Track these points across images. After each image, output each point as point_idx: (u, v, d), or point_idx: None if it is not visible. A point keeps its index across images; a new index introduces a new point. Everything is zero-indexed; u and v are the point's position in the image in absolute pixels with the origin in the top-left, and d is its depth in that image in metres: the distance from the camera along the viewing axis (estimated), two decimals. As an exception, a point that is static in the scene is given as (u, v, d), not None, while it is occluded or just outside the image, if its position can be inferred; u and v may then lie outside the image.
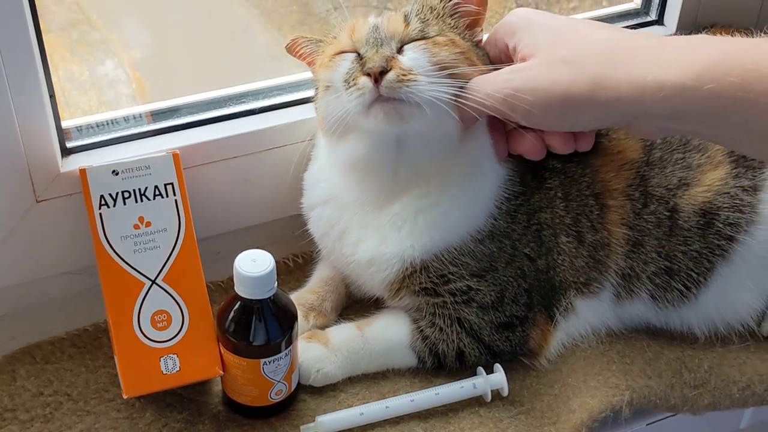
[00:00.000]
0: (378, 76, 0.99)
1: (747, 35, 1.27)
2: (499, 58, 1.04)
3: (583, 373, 1.12)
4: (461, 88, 1.00)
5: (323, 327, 1.15)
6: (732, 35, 1.26)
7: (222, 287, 1.22)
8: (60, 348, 1.14)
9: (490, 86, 0.96)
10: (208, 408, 1.08)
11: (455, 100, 1.00)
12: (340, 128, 1.04)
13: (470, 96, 0.98)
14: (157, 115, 1.20)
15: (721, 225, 1.12)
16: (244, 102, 1.23)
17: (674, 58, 0.85)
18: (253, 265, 0.99)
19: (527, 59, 0.96)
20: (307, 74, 1.22)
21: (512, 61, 1.01)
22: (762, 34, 0.89)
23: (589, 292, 1.14)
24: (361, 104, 1.01)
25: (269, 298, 1.00)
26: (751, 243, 1.13)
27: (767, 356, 1.17)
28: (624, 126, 0.97)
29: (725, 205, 1.12)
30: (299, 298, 1.17)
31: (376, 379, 1.12)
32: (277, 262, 1.02)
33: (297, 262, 1.29)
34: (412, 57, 1.02)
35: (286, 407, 1.08)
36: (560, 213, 1.12)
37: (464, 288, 1.09)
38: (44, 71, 1.06)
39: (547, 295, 1.13)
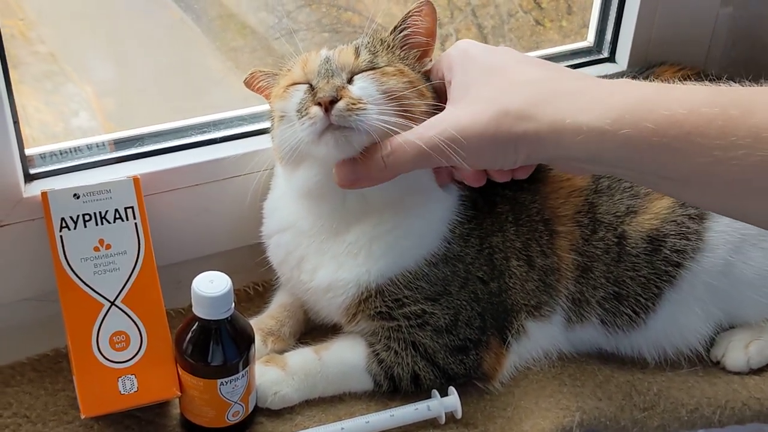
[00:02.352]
0: (328, 105, 1.02)
1: (695, 74, 1.32)
2: (441, 87, 1.08)
3: (535, 395, 1.15)
4: (408, 117, 1.03)
5: (281, 351, 1.17)
6: (680, 73, 1.31)
7: (182, 314, 1.23)
8: (20, 372, 1.15)
9: (423, 140, 0.97)
10: (165, 430, 1.09)
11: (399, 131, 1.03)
12: (293, 156, 1.08)
13: (406, 150, 0.99)
14: (119, 143, 1.22)
15: (668, 251, 1.16)
16: (205, 132, 1.26)
17: (593, 103, 0.87)
18: (211, 286, 1.01)
19: (458, 100, 0.99)
20: (266, 106, 1.25)
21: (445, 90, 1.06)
22: (706, 83, 0.91)
23: (540, 315, 1.17)
24: (313, 132, 1.04)
25: (226, 318, 1.02)
26: (698, 269, 1.16)
27: (715, 380, 1.19)
28: (547, 164, 1.00)
29: (672, 233, 1.16)
30: (258, 323, 1.19)
31: (333, 402, 1.14)
32: (237, 290, 1.04)
33: (257, 290, 1.31)
34: (361, 86, 1.06)
35: (243, 429, 1.09)
36: (511, 237, 1.15)
37: (419, 311, 1.12)
38: (8, 98, 1.08)
39: (500, 318, 1.15)
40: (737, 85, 0.84)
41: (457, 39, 1.72)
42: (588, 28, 1.54)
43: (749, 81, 0.86)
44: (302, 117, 1.04)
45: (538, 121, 0.90)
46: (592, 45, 1.52)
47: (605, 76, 1.35)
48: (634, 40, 1.45)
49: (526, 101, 0.92)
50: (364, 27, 1.15)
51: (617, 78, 1.31)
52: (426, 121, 1.00)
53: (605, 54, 1.50)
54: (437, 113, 1.06)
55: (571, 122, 0.87)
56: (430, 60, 1.15)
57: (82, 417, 1.04)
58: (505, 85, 0.95)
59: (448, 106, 1.01)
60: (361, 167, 1.02)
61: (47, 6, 1.49)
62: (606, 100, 0.86)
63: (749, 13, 1.52)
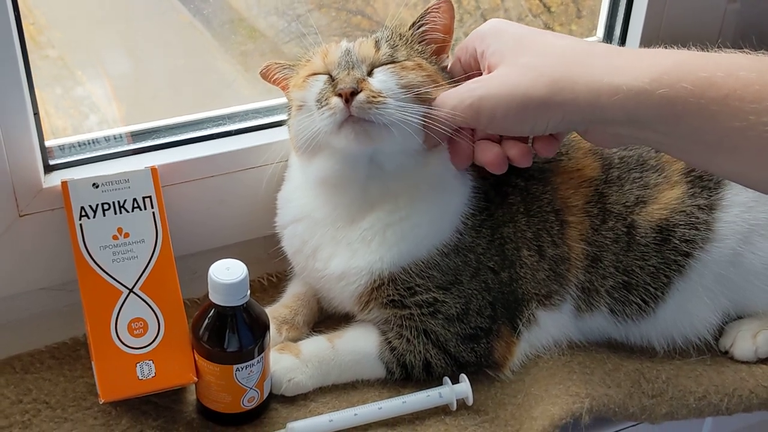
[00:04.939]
0: (349, 97, 1.04)
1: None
2: (469, 62, 1.10)
3: (545, 382, 1.16)
4: (427, 111, 1.06)
5: (295, 340, 1.19)
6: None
7: (198, 304, 1.25)
8: (39, 359, 1.17)
9: (456, 98, 1.02)
10: (182, 416, 1.11)
11: (423, 123, 1.06)
12: (311, 146, 1.09)
13: (438, 112, 1.03)
14: (137, 135, 1.24)
15: (677, 241, 1.17)
16: (221, 124, 1.28)
17: (630, 64, 0.89)
18: (227, 273, 1.03)
19: (492, 67, 1.01)
20: (280, 99, 1.28)
21: (479, 66, 1.07)
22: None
23: (550, 304, 1.18)
24: (333, 123, 1.06)
25: (242, 305, 1.04)
26: (707, 259, 1.18)
27: (723, 368, 1.21)
28: (581, 132, 1.01)
29: (681, 223, 1.17)
30: (273, 311, 1.21)
31: (346, 389, 1.16)
32: (251, 281, 1.06)
33: (271, 281, 1.33)
34: (381, 79, 1.08)
35: (258, 415, 1.11)
36: (522, 228, 1.17)
37: (430, 300, 1.13)
38: (29, 90, 1.11)
39: (511, 307, 1.17)
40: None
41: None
42: (597, 31, 1.56)
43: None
44: (322, 107, 1.06)
45: (573, 82, 0.92)
46: (601, 41, 1.53)
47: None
48: (642, 36, 1.46)
49: (562, 64, 0.94)
50: (374, 31, 1.17)
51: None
52: (466, 83, 1.03)
53: (614, 49, 1.51)
54: None
55: (608, 82, 0.89)
56: (447, 56, 1.17)
57: (101, 402, 1.06)
58: (539, 51, 0.97)
59: (484, 74, 1.04)
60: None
61: (57, 10, 1.50)
62: (642, 61, 0.88)
63: (757, 9, 1.54)
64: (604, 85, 0.89)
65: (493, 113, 0.99)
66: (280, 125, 1.26)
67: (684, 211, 1.18)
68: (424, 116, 1.06)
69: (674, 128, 0.87)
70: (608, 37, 1.53)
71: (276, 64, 1.20)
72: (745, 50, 0.88)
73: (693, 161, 1.03)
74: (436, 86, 1.09)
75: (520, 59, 0.98)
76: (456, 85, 1.07)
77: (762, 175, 0.85)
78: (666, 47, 0.94)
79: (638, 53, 0.92)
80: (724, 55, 0.87)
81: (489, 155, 1.08)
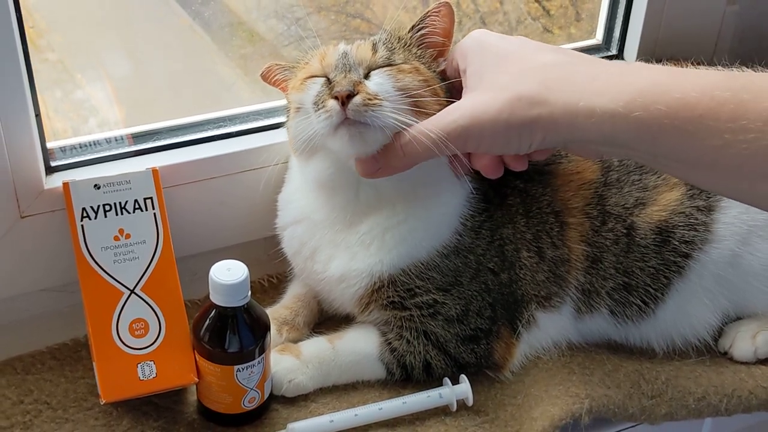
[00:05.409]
0: (345, 99, 1.04)
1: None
2: (454, 76, 1.10)
3: (545, 383, 1.17)
4: (422, 114, 1.06)
5: (296, 341, 1.19)
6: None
7: (198, 305, 1.25)
8: (40, 360, 1.18)
9: (439, 128, 1.00)
10: (183, 416, 1.11)
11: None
12: (308, 148, 1.10)
13: (422, 140, 1.01)
14: (137, 137, 1.25)
15: (677, 243, 1.18)
16: (221, 126, 1.28)
17: (606, 86, 0.89)
18: (228, 274, 1.03)
19: (471, 88, 1.02)
20: (280, 101, 1.28)
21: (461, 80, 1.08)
22: (719, 67, 0.93)
23: (550, 306, 1.19)
24: (329, 125, 1.06)
25: (243, 306, 1.05)
26: (706, 261, 1.18)
27: (722, 369, 1.21)
28: (562, 148, 1.02)
29: (680, 224, 1.18)
30: (273, 312, 1.21)
31: (347, 390, 1.16)
32: (252, 282, 1.06)
33: (271, 282, 1.33)
34: (377, 82, 1.08)
35: (258, 416, 1.11)
36: (522, 229, 1.17)
37: (430, 301, 1.14)
38: (31, 91, 1.11)
39: (510, 309, 1.17)
40: (749, 71, 0.85)
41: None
42: (596, 34, 1.56)
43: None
44: (318, 109, 1.07)
45: (551, 105, 0.92)
46: (600, 42, 1.54)
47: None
48: (642, 37, 1.47)
49: (539, 85, 0.93)
50: (373, 34, 1.17)
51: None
52: (442, 110, 1.02)
53: (614, 51, 1.52)
54: None
55: (584, 105, 0.89)
56: (445, 60, 1.17)
57: (102, 402, 1.06)
58: (518, 71, 0.97)
59: (464, 95, 1.04)
60: (381, 158, 1.05)
61: (57, 14, 1.50)
62: (619, 83, 0.88)
63: (756, 11, 1.54)
64: (581, 108, 0.89)
65: (479, 141, 0.99)
66: (280, 127, 1.27)
67: (683, 213, 1.18)
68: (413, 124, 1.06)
69: (651, 147, 0.88)
70: (607, 40, 1.53)
71: (277, 65, 1.20)
72: (720, 67, 0.89)
73: (676, 176, 1.04)
74: (432, 91, 1.10)
75: (500, 79, 0.98)
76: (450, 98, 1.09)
77: (743, 187, 0.85)
78: (662, 60, 0.94)
79: (616, 72, 0.91)
80: (699, 73, 0.87)
81: (483, 161, 1.08)
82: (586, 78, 0.91)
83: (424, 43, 1.16)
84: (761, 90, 0.80)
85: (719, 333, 1.24)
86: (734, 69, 0.88)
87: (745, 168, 0.82)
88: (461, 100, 1.03)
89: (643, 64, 0.94)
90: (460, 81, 1.08)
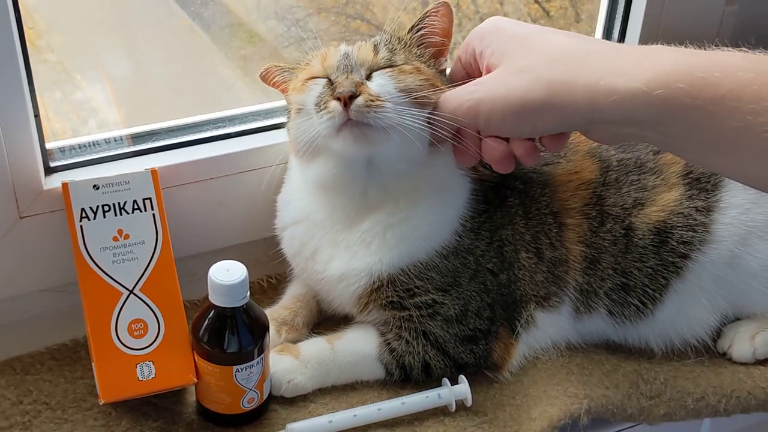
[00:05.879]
0: (347, 101, 1.05)
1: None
2: (469, 62, 1.09)
3: (543, 384, 1.17)
4: (428, 115, 1.07)
5: (295, 341, 1.19)
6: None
7: (197, 305, 1.26)
8: (39, 360, 1.18)
9: (455, 100, 1.03)
10: (182, 417, 1.11)
11: (424, 126, 1.06)
12: (310, 149, 1.10)
13: (438, 113, 1.04)
14: (137, 138, 1.25)
15: (675, 243, 1.18)
16: (221, 126, 1.28)
17: (627, 65, 0.89)
18: (227, 274, 1.03)
19: (491, 67, 1.02)
20: (279, 102, 1.28)
21: (477, 65, 1.07)
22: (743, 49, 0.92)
23: (549, 306, 1.19)
24: (331, 127, 1.06)
25: (242, 306, 1.05)
26: (705, 261, 1.18)
27: (721, 370, 1.21)
28: (582, 131, 1.00)
29: (679, 225, 1.18)
30: (272, 313, 1.21)
31: (345, 390, 1.16)
32: (251, 282, 1.06)
33: (270, 283, 1.33)
34: (379, 83, 1.08)
35: (257, 416, 1.11)
36: (520, 230, 1.17)
37: (429, 301, 1.14)
38: (30, 92, 1.11)
39: (509, 309, 1.18)
40: None
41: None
42: (595, 34, 1.56)
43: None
44: (320, 111, 1.07)
45: (571, 84, 0.92)
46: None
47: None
48: (641, 38, 1.47)
49: (559, 66, 0.94)
50: (373, 35, 1.17)
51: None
52: (465, 85, 1.03)
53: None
54: None
55: (605, 84, 0.89)
56: (446, 59, 1.18)
57: (101, 403, 1.06)
58: (537, 52, 0.97)
59: (484, 75, 1.04)
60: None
61: (56, 15, 1.51)
62: (640, 61, 0.88)
63: (755, 12, 1.54)
64: (601, 87, 0.89)
65: (490, 116, 0.99)
66: (280, 128, 1.27)
67: (682, 213, 1.18)
68: (425, 120, 1.06)
69: (672, 128, 0.87)
70: (606, 36, 1.53)
71: (276, 66, 1.20)
72: (745, 49, 0.88)
73: (693, 159, 1.03)
74: (434, 90, 1.10)
75: (519, 61, 0.98)
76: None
77: (761, 173, 0.85)
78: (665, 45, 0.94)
79: (636, 52, 0.92)
80: (722, 54, 0.87)
81: (495, 153, 1.06)
82: (606, 58, 0.91)
83: (423, 42, 1.16)
84: None
85: (718, 334, 1.24)
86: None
87: (763, 152, 0.81)
88: (481, 78, 1.03)
89: (663, 46, 0.92)
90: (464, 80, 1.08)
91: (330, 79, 1.11)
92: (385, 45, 1.14)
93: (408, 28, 1.17)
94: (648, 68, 0.87)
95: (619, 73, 0.89)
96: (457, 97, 1.04)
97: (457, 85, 1.07)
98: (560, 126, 0.98)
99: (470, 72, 1.10)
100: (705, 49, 0.90)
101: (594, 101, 0.90)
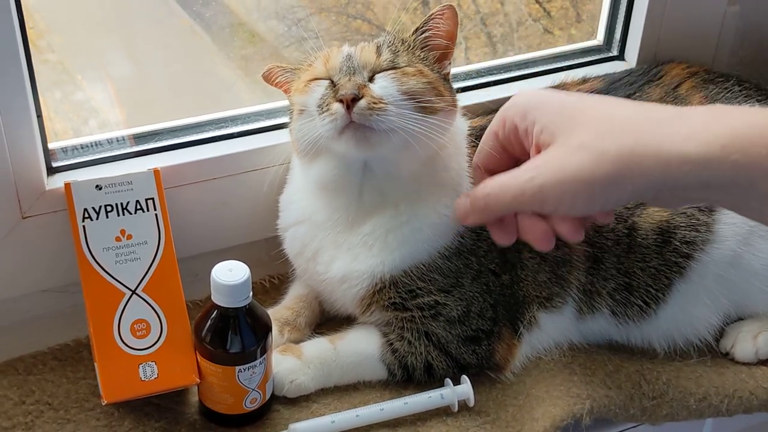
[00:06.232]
0: (350, 103, 1.05)
1: (704, 70, 1.35)
2: (508, 139, 0.97)
3: (546, 384, 1.17)
4: (426, 120, 1.06)
5: (297, 341, 1.19)
6: (688, 71, 1.33)
7: (200, 306, 1.26)
8: (42, 361, 1.18)
9: (516, 188, 0.91)
10: (184, 417, 1.12)
11: (426, 129, 1.06)
12: (312, 150, 1.10)
13: (497, 201, 0.93)
14: (139, 138, 1.25)
15: (678, 243, 1.18)
16: (223, 127, 1.28)
17: (697, 130, 0.83)
18: (230, 275, 1.03)
19: (542, 146, 0.92)
20: (281, 102, 1.29)
21: (520, 143, 0.96)
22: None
23: (551, 306, 1.19)
24: (333, 128, 1.06)
25: (245, 306, 1.05)
26: (707, 261, 1.18)
27: (723, 370, 1.21)
28: (650, 199, 0.94)
29: (682, 225, 1.18)
30: (275, 313, 1.21)
31: (348, 391, 1.16)
32: (253, 282, 1.06)
33: (273, 283, 1.33)
34: (382, 85, 1.08)
35: (260, 416, 1.11)
36: (523, 230, 1.17)
37: (432, 302, 1.14)
38: (32, 92, 1.11)
39: (512, 309, 1.18)
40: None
41: (466, 47, 1.74)
42: (596, 35, 1.56)
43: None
44: (323, 113, 1.07)
45: (640, 154, 0.85)
46: (601, 43, 1.54)
47: (614, 74, 1.38)
48: (642, 38, 1.47)
49: (624, 138, 0.86)
50: (374, 35, 1.17)
51: (626, 76, 1.34)
52: (521, 170, 0.91)
53: (614, 52, 1.52)
54: (454, 113, 1.12)
55: (677, 151, 0.83)
56: (449, 63, 1.18)
57: (104, 403, 1.06)
58: (595, 125, 0.89)
59: (534, 155, 0.93)
60: (468, 204, 0.96)
61: (57, 15, 1.51)
62: (710, 126, 0.83)
63: (756, 12, 1.54)
64: (674, 156, 0.83)
65: (560, 200, 0.89)
66: (282, 128, 1.27)
67: (684, 213, 1.18)
68: (427, 124, 1.06)
69: (749, 191, 0.83)
70: (608, 41, 1.53)
71: (278, 67, 1.20)
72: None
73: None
74: (437, 93, 1.10)
75: (576, 138, 0.89)
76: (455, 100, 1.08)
77: None
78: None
79: (704, 116, 0.85)
80: None
81: (536, 233, 0.95)
82: (672, 124, 0.85)
83: (427, 45, 1.16)
84: None
85: (720, 333, 1.24)
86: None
87: None
88: (539, 158, 0.91)
89: (727, 106, 0.88)
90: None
91: (332, 81, 1.11)
92: (388, 47, 1.14)
93: (412, 30, 1.17)
94: (720, 132, 0.82)
95: (689, 139, 0.83)
96: (516, 185, 0.91)
97: (451, 98, 1.09)
98: (631, 197, 0.90)
99: (510, 149, 0.99)
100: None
101: (667, 171, 0.84)
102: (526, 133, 0.95)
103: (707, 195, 0.87)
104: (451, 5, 1.13)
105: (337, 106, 1.06)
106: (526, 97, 0.96)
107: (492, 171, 0.97)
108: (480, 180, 0.98)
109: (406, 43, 1.15)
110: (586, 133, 0.88)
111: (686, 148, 0.82)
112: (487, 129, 0.99)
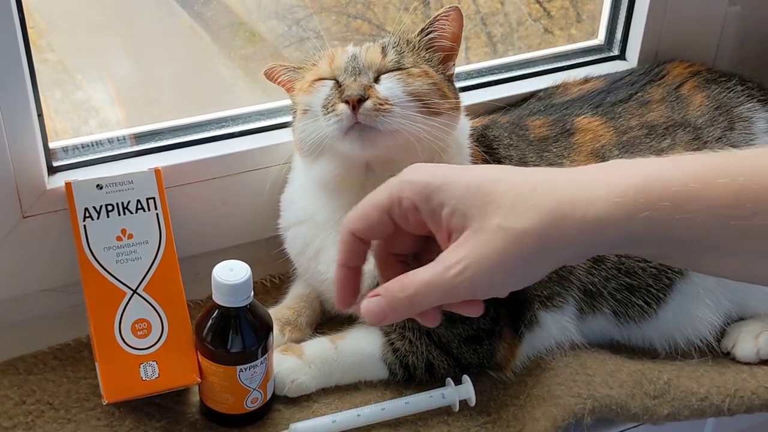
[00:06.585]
0: (356, 104, 1.05)
1: (706, 70, 1.35)
2: (404, 217, 0.86)
3: (547, 384, 1.16)
4: (431, 122, 1.07)
5: (298, 341, 1.19)
6: (690, 69, 1.33)
7: (201, 305, 1.25)
8: (42, 360, 1.18)
9: (444, 285, 0.83)
10: (185, 417, 1.11)
11: (431, 130, 1.06)
12: (315, 150, 1.10)
13: (425, 301, 0.85)
14: (140, 137, 1.25)
15: (679, 243, 1.17)
16: (224, 126, 1.28)
17: (605, 191, 0.81)
18: (231, 274, 1.03)
19: (456, 230, 0.85)
20: (283, 102, 1.28)
21: (421, 222, 0.86)
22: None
23: (553, 306, 1.19)
24: (339, 129, 1.06)
25: (246, 306, 1.05)
26: (709, 261, 1.18)
27: (725, 369, 1.21)
28: (583, 259, 0.94)
29: (683, 225, 1.17)
30: (276, 312, 1.21)
31: (349, 390, 1.16)
32: (254, 282, 1.06)
33: (274, 283, 1.33)
34: (387, 86, 1.08)
35: (261, 416, 1.11)
36: (524, 228, 1.17)
37: (432, 302, 1.13)
38: (33, 91, 1.11)
39: (513, 309, 1.17)
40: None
41: (467, 47, 1.74)
42: (597, 34, 1.56)
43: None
44: (328, 113, 1.07)
45: (559, 226, 0.82)
46: (602, 43, 1.54)
47: (615, 74, 1.38)
48: (643, 37, 1.47)
49: (538, 210, 0.82)
50: (374, 35, 1.17)
51: (627, 76, 1.34)
52: (445, 259, 0.84)
53: (615, 52, 1.52)
54: (458, 115, 1.12)
55: (592, 216, 0.81)
56: (453, 64, 1.18)
57: (105, 403, 1.06)
58: (509, 201, 0.84)
59: (452, 240, 0.85)
60: (387, 308, 0.86)
61: (57, 14, 1.51)
62: (613, 186, 0.81)
63: (757, 12, 1.54)
64: (589, 221, 0.81)
65: (491, 285, 0.85)
66: (284, 127, 1.27)
67: (685, 213, 1.18)
68: (431, 126, 1.06)
69: (670, 242, 0.82)
70: (609, 41, 1.53)
71: (281, 66, 1.20)
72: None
73: (697, 269, 0.94)
74: (441, 95, 1.10)
75: (492, 219, 0.83)
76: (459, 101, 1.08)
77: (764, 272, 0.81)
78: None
79: (606, 175, 0.83)
80: (694, 158, 0.82)
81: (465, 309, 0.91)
82: (581, 188, 0.83)
83: (432, 46, 1.16)
84: (757, 169, 0.76)
85: (722, 333, 1.24)
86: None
87: (761, 252, 0.78)
88: (455, 249, 0.84)
89: (626, 161, 0.84)
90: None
91: (338, 81, 1.11)
92: (393, 47, 1.14)
93: (417, 31, 1.17)
94: (623, 192, 0.80)
95: (598, 200, 0.81)
96: (445, 282, 0.83)
97: (454, 95, 1.09)
98: (561, 264, 0.88)
99: (404, 227, 0.88)
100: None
101: (587, 234, 0.82)
102: (432, 215, 0.86)
103: (636, 250, 0.87)
104: (456, 6, 1.13)
105: (342, 107, 1.06)
106: (426, 176, 0.86)
107: (369, 237, 0.89)
108: (385, 269, 0.92)
109: (411, 44, 1.16)
110: (501, 213, 0.83)
111: (598, 211, 0.80)
112: (367, 201, 0.87)
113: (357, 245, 0.88)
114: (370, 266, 1.11)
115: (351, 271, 0.90)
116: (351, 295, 0.89)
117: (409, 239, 0.90)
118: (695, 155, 0.81)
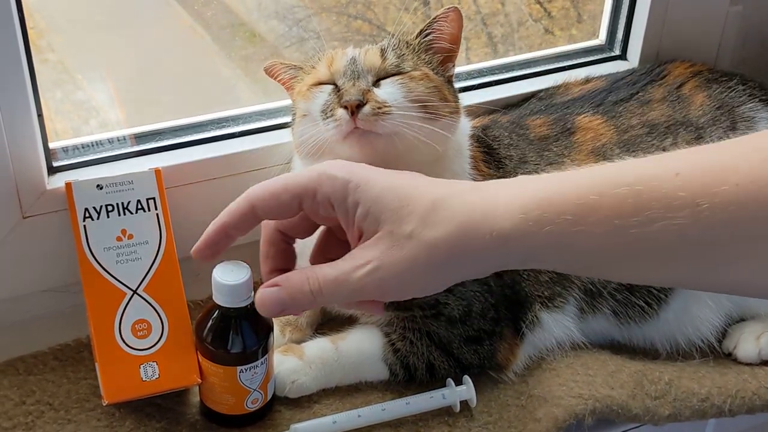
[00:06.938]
0: (354, 109, 1.05)
1: (707, 69, 1.35)
2: (314, 210, 0.88)
3: (548, 384, 1.16)
4: (431, 125, 1.07)
5: (299, 342, 1.19)
6: (691, 69, 1.33)
7: (201, 305, 1.25)
8: (42, 361, 1.17)
9: (353, 283, 0.85)
10: (185, 417, 1.11)
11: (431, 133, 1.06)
12: (315, 153, 1.10)
13: (331, 298, 0.87)
14: (140, 137, 1.25)
15: (679, 243, 1.17)
16: (224, 126, 1.28)
17: (510, 207, 0.82)
18: (231, 275, 1.03)
19: (367, 232, 0.86)
20: (283, 102, 1.28)
21: (331, 217, 0.88)
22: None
23: (553, 306, 1.18)
24: (338, 134, 1.06)
25: (246, 306, 1.04)
26: (709, 261, 1.18)
27: (726, 370, 1.21)
28: (492, 272, 0.93)
29: (683, 225, 1.17)
30: (276, 313, 1.21)
31: (350, 391, 1.16)
32: (254, 283, 1.06)
33: (274, 283, 1.32)
34: (388, 91, 1.08)
35: (261, 417, 1.11)
36: (525, 229, 1.17)
37: (432, 302, 1.13)
38: (33, 91, 1.11)
39: (514, 309, 1.17)
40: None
41: (467, 47, 1.74)
42: (598, 34, 1.56)
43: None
44: (327, 118, 1.07)
45: (468, 239, 0.83)
46: (603, 43, 1.54)
47: (617, 74, 1.38)
48: (645, 37, 1.47)
49: (448, 224, 0.83)
50: (374, 35, 1.17)
51: (629, 76, 1.34)
52: (354, 258, 0.85)
53: (617, 52, 1.52)
54: (458, 117, 1.12)
55: (498, 231, 0.81)
56: (453, 65, 1.17)
57: (105, 404, 1.06)
58: (422, 211, 0.84)
59: (363, 241, 0.86)
60: (287, 299, 0.87)
61: (57, 14, 1.50)
62: (516, 202, 0.82)
63: (759, 12, 1.54)
64: (496, 235, 0.81)
65: (400, 290, 0.87)
66: (284, 127, 1.26)
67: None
68: (431, 129, 1.07)
69: (573, 255, 0.82)
70: (610, 41, 1.53)
71: (281, 63, 1.20)
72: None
73: (609, 278, 0.98)
74: (442, 98, 1.10)
75: (404, 227, 0.84)
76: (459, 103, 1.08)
77: (666, 275, 0.83)
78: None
79: (511, 190, 0.84)
80: (594, 170, 0.82)
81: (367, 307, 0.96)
82: (489, 203, 0.83)
83: (432, 48, 1.16)
84: (654, 177, 0.76)
85: (723, 334, 1.24)
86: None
87: (662, 257, 0.79)
88: (366, 249, 0.85)
89: (529, 177, 0.86)
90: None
91: (336, 85, 1.10)
92: (393, 50, 1.13)
93: (416, 33, 1.16)
94: (526, 208, 0.81)
95: (504, 215, 0.82)
96: (355, 281, 0.84)
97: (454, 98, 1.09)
98: (472, 276, 0.89)
99: (311, 216, 0.90)
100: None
101: (494, 249, 0.83)
102: (346, 213, 0.87)
103: (543, 264, 0.88)
104: (455, 7, 1.12)
105: (341, 112, 1.06)
106: (346, 173, 0.87)
107: (268, 217, 0.90)
108: (269, 247, 0.93)
109: (411, 46, 1.15)
110: (414, 221, 0.84)
111: (503, 227, 0.81)
112: (282, 182, 0.88)
113: (249, 217, 0.89)
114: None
115: (225, 236, 0.92)
116: (208, 252, 0.92)
117: (307, 226, 0.92)
118: (598, 166, 0.82)
